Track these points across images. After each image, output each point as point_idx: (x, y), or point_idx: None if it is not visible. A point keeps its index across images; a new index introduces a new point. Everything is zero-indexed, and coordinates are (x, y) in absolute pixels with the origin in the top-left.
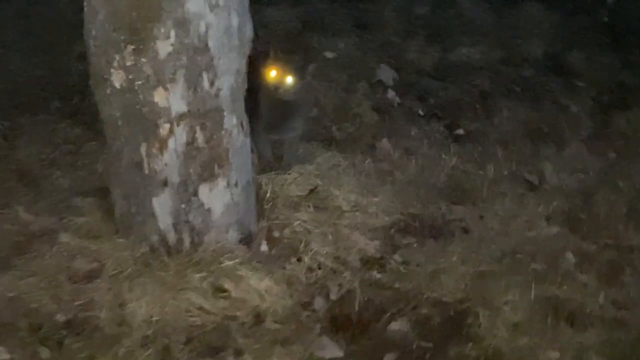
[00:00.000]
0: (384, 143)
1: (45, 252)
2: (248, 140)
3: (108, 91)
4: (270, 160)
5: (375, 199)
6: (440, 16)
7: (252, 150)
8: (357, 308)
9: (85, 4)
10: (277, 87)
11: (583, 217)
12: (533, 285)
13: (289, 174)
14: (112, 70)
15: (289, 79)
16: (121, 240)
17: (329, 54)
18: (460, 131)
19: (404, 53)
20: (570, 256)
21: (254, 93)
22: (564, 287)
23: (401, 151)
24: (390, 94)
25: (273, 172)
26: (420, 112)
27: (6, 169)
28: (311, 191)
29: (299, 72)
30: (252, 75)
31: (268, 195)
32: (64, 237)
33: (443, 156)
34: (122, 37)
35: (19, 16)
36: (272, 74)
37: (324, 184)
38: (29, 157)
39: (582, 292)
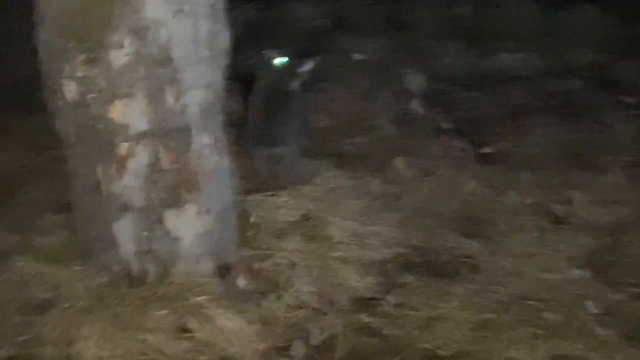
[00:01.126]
0: (397, 161)
1: None
2: (225, 161)
3: (60, 103)
4: (267, 179)
5: (375, 228)
6: (482, 17)
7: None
8: (337, 356)
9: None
10: None
11: (611, 259)
12: (542, 340)
13: (279, 196)
14: (62, 80)
15: None
16: (80, 267)
17: (357, 56)
18: (486, 149)
19: (438, 58)
20: (590, 306)
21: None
22: (579, 344)
23: (415, 171)
24: (414, 104)
25: (262, 194)
26: (445, 126)
27: None
28: (303, 217)
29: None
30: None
31: (252, 220)
32: (21, 260)
33: (461, 179)
34: (71, 45)
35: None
36: None
37: (319, 208)
38: (9, 162)
39: (599, 351)
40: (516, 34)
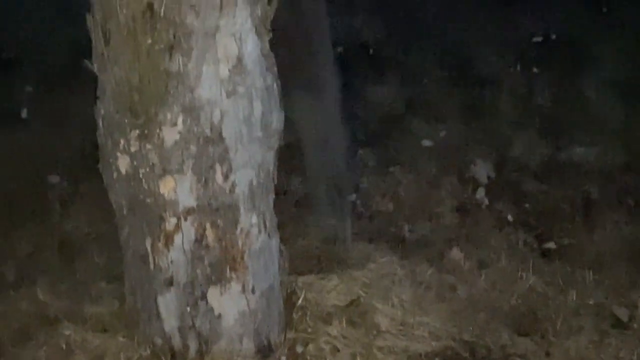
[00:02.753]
0: (455, 252)
1: (44, 343)
2: (274, 241)
3: (114, 176)
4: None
5: (425, 319)
6: (561, 107)
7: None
8: None
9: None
10: None
11: None
12: None
13: (330, 279)
14: (117, 154)
15: None
16: (125, 338)
17: (427, 142)
18: (551, 245)
19: (510, 147)
20: None
21: None
22: None
23: (473, 263)
24: (480, 193)
25: (312, 276)
26: (510, 218)
27: (50, 239)
28: (351, 302)
29: None
30: None
31: (300, 302)
32: (69, 328)
33: (521, 273)
34: (126, 120)
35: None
36: None
37: (368, 295)
38: (76, 229)
39: None
40: (594, 126)
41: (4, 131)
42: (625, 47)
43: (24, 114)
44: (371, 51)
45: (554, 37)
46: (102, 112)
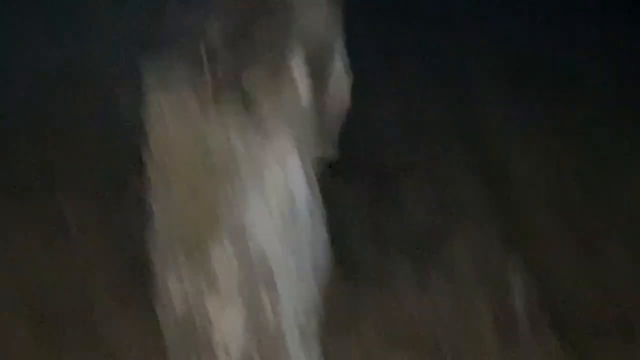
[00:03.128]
0: None
1: None
2: None
3: (162, 299)
4: None
5: None
6: (593, 211)
7: None
8: None
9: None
10: None
11: None
12: None
13: None
14: (167, 279)
15: None
16: None
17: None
18: None
19: (551, 270)
20: None
21: None
22: None
23: None
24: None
25: None
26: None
27: None
28: None
29: None
30: None
31: None
32: None
33: None
34: (176, 244)
35: None
36: None
37: None
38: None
39: None
40: (631, 231)
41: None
42: None
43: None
44: None
45: None
46: (152, 238)
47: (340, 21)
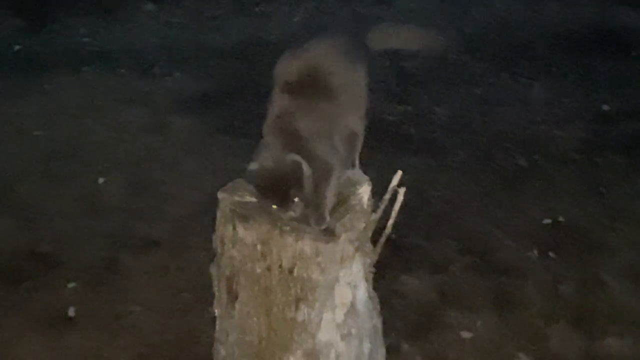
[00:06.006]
0: None
1: None
2: None
3: None
4: None
5: None
6: (587, 298)
7: None
8: None
9: (217, 322)
10: None
11: None
12: None
13: None
14: None
15: None
16: None
17: (466, 334)
18: None
19: (547, 340)
20: None
21: None
22: None
23: None
24: None
25: None
26: None
27: None
28: None
29: None
30: None
31: None
32: None
33: None
34: None
35: (159, 271)
36: None
37: None
38: None
39: None
40: (622, 318)
41: (51, 333)
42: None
43: (71, 312)
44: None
45: (561, 219)
46: (223, 353)
47: None
